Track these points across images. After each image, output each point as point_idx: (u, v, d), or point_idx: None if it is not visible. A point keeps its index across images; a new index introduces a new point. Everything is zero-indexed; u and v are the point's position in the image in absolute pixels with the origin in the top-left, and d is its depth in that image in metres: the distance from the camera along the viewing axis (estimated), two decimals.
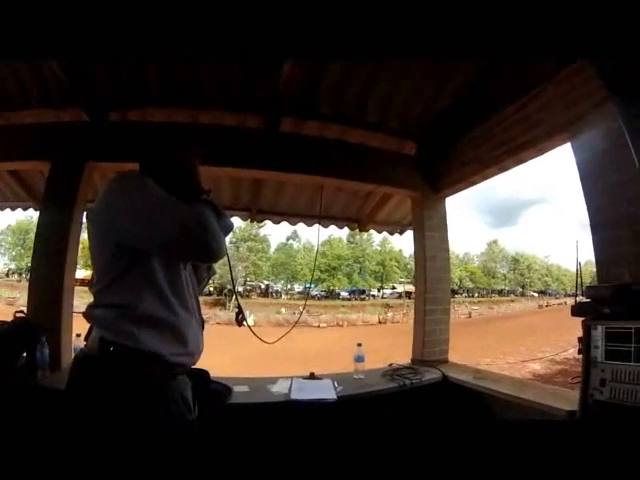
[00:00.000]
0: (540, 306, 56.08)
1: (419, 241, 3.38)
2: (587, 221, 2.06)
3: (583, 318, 1.76)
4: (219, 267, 1.47)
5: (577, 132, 2.14)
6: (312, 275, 48.27)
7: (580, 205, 2.08)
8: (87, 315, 1.28)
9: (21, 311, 2.59)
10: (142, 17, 1.08)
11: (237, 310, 1.58)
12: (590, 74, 1.93)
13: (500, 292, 65.35)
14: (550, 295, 68.80)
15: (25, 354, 2.41)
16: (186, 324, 1.32)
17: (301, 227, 4.41)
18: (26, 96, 2.78)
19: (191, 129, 2.86)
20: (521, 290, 67.09)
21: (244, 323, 1.62)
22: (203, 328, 1.46)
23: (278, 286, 53.22)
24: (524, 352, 18.55)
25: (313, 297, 47.72)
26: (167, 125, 2.84)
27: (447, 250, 3.45)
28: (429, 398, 2.71)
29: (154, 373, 1.21)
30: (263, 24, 1.14)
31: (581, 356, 1.74)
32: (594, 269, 2.02)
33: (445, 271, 3.40)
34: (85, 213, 1.35)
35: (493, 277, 63.86)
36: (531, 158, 2.62)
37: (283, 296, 50.75)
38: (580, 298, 1.91)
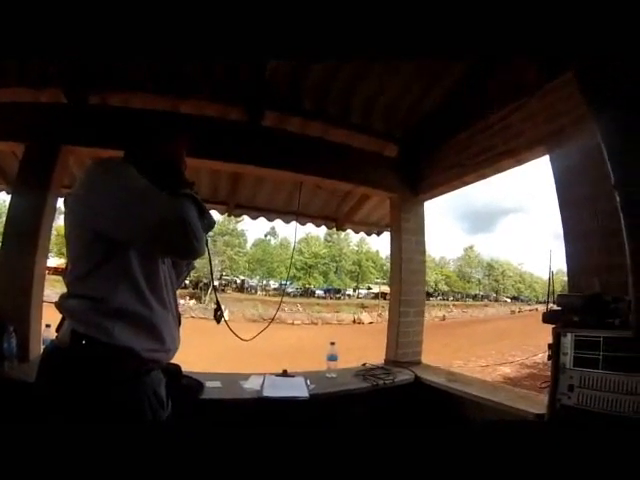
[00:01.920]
0: (513, 312, 57.30)
1: (396, 243, 3.40)
2: (561, 231, 2.12)
3: (553, 325, 1.79)
4: (197, 261, 1.44)
5: (556, 145, 2.20)
6: (289, 272, 48.18)
7: (555, 216, 2.12)
8: (59, 306, 1.23)
9: None
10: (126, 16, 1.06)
11: (216, 307, 1.55)
12: (572, 90, 1.98)
13: (474, 297, 66.43)
14: (522, 301, 70.41)
15: None
16: (162, 320, 1.28)
17: (278, 224, 4.40)
18: (4, 74, 2.68)
19: (172, 117, 2.76)
20: (495, 295, 68.36)
21: (222, 320, 1.59)
22: (180, 324, 1.42)
23: (254, 282, 52.96)
24: (495, 356, 18.95)
25: (288, 294, 47.67)
26: (147, 112, 2.74)
27: (423, 253, 3.48)
28: (401, 399, 2.73)
29: (127, 368, 1.17)
30: (250, 23, 1.12)
31: (550, 362, 1.78)
32: (565, 278, 2.07)
33: (420, 274, 3.43)
34: (63, 199, 1.29)
35: (468, 282, 64.77)
36: (510, 167, 2.68)
37: (259, 292, 50.59)
38: (551, 306, 1.95)
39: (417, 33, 1.13)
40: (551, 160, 2.24)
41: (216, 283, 42.43)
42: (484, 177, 2.90)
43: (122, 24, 1.07)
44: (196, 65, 2.53)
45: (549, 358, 1.79)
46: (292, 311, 37.12)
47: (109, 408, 1.11)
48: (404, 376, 2.87)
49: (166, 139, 1.46)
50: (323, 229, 5.01)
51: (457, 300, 62.04)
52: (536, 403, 2.11)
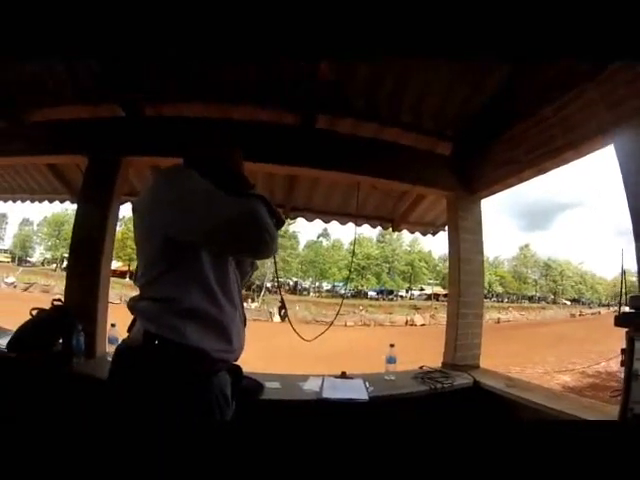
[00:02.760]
0: (572, 315, 54.07)
1: (453, 243, 3.32)
2: (627, 227, 1.97)
3: (627, 329, 1.69)
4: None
5: (620, 134, 2.04)
6: (349, 273, 48.22)
7: (620, 211, 1.98)
8: (131, 307, 1.29)
9: (59, 299, 2.67)
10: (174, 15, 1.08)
11: (280, 305, 1.57)
12: (633, 75, 1.85)
13: (531, 298, 63.35)
14: (583, 304, 65.92)
15: (61, 341, 2.48)
16: (231, 320, 1.31)
17: (333, 225, 4.40)
18: (62, 93, 2.85)
19: (225, 124, 2.86)
20: (553, 297, 64.72)
21: (286, 319, 1.61)
22: (245, 324, 1.45)
23: (306, 283, 53.46)
24: (554, 362, 17.98)
25: (341, 295, 47.79)
26: (201, 120, 2.86)
27: (481, 253, 3.36)
28: (460, 403, 2.65)
29: (197, 368, 1.21)
30: (296, 22, 1.12)
31: (623, 368, 1.68)
32: (635, 278, 1.94)
33: (479, 274, 3.33)
34: (131, 206, 1.34)
35: (524, 282, 61.80)
36: (571, 160, 2.52)
37: (311, 294, 50.97)
38: (623, 308, 1.84)
39: (461, 34, 1.10)
40: (616, 149, 2.09)
41: (269, 285, 43.09)
42: (543, 172, 2.74)
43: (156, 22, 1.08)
44: (247, 72, 2.58)
45: (622, 364, 1.69)
46: (345, 313, 37.02)
47: (180, 407, 1.14)
48: (463, 380, 2.80)
49: (223, 145, 1.50)
50: (375, 230, 4.98)
51: (512, 302, 59.34)
52: (603, 413, 1.99)
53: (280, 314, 1.57)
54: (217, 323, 1.26)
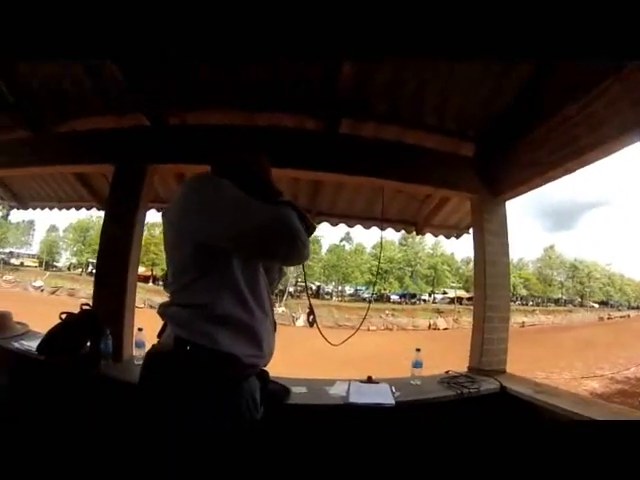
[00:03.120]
0: (601, 318, 52.72)
1: (479, 246, 3.27)
2: None
3: None
4: None
5: None
6: (376, 278, 47.92)
7: None
8: (162, 313, 1.31)
9: (87, 304, 2.73)
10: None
11: (309, 311, 1.58)
12: None
13: (557, 301, 61.65)
14: (612, 306, 64.04)
15: (89, 344, 2.54)
16: (261, 325, 1.32)
17: (357, 229, 4.39)
18: (88, 103, 2.96)
19: (250, 131, 2.90)
20: (580, 300, 62.63)
21: (315, 324, 1.61)
22: (275, 330, 1.46)
23: (329, 288, 53.38)
24: (581, 368, 17.54)
25: (364, 299, 47.61)
26: (225, 127, 2.90)
27: (507, 255, 3.30)
28: (486, 409, 2.61)
29: (229, 374, 1.22)
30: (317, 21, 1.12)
31: None
32: None
33: (505, 277, 3.27)
34: (161, 213, 1.36)
35: (549, 285, 59.97)
36: (597, 159, 2.44)
37: (334, 298, 50.86)
38: None
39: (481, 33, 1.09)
40: None
41: (291, 289, 43.20)
42: (568, 172, 2.66)
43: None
44: (269, 78, 2.61)
45: None
46: (367, 317, 36.86)
47: (211, 412, 1.16)
48: (489, 385, 2.75)
49: (250, 152, 1.52)
50: (398, 233, 4.95)
51: (537, 305, 57.84)
52: None
53: (309, 320, 1.57)
54: (248, 329, 1.27)
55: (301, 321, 29.43)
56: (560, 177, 2.78)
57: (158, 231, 43.99)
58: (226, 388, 1.21)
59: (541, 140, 2.74)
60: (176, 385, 1.18)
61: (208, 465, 1.13)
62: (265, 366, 1.41)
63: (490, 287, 3.15)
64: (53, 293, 37.55)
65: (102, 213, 3.33)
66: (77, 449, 2.08)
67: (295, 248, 1.20)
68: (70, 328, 2.53)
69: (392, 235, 51.72)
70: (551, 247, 63.71)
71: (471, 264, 51.77)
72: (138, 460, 1.22)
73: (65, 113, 3.12)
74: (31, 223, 54.35)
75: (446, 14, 1.08)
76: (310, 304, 1.64)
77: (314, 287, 51.08)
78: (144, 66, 2.54)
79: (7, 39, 1.05)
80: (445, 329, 36.66)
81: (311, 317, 1.57)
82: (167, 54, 1.32)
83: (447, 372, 2.94)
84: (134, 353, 2.78)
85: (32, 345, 2.61)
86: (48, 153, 3.28)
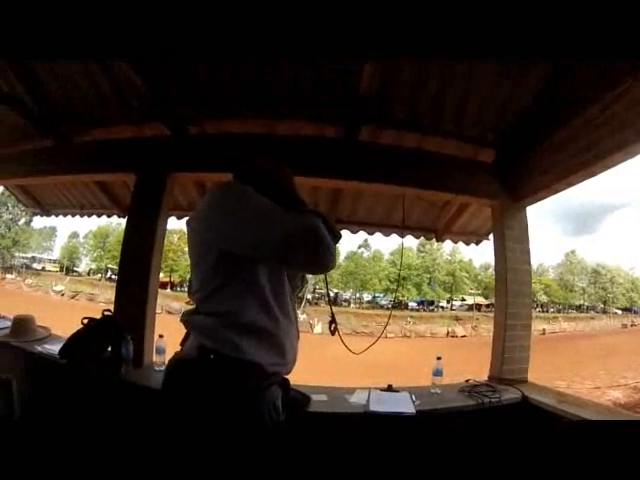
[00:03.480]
0: (624, 325, 51.03)
1: (499, 253, 3.22)
2: None
3: None
4: None
5: None
6: (398, 285, 47.84)
7: None
8: (186, 321, 1.32)
9: (108, 310, 2.76)
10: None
11: (330, 319, 1.57)
12: None
13: (578, 308, 60.10)
14: (636, 313, 61.29)
15: (110, 349, 2.56)
16: (286, 334, 1.32)
17: (377, 236, 4.37)
18: (109, 113, 3.02)
19: (269, 139, 2.92)
20: (602, 306, 60.94)
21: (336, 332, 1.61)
22: (299, 338, 1.46)
23: (347, 295, 53.29)
24: (604, 377, 17.07)
25: (381, 307, 47.39)
26: (245, 136, 2.93)
27: (529, 262, 3.24)
28: (508, 419, 2.55)
29: (252, 382, 1.22)
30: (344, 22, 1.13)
31: None
32: None
33: (526, 284, 3.20)
34: (185, 222, 1.38)
35: (570, 291, 58.75)
36: (620, 162, 2.36)
37: (352, 305, 50.79)
38: None
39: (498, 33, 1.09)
40: None
41: (309, 296, 43.18)
42: (591, 176, 2.59)
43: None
44: (289, 86, 2.62)
45: None
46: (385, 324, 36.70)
47: (235, 420, 1.16)
48: (511, 395, 2.69)
49: (272, 161, 1.53)
50: (416, 240, 4.91)
51: (558, 312, 56.59)
52: None
53: (330, 328, 1.56)
54: (272, 337, 1.27)
55: (319, 328, 29.35)
56: (582, 181, 2.71)
57: (176, 238, 44.57)
58: (249, 396, 1.21)
59: (561, 143, 2.69)
60: (199, 393, 1.18)
61: (231, 472, 1.13)
62: (288, 374, 1.41)
63: (511, 294, 3.10)
64: (73, 297, 38.28)
65: (121, 220, 3.38)
66: (97, 451, 2.12)
67: (322, 256, 1.19)
68: (92, 333, 2.57)
69: (410, 242, 51.32)
70: (572, 252, 62.56)
71: (490, 270, 51.18)
72: (161, 465, 1.24)
73: (87, 123, 3.18)
74: (53, 229, 55.80)
75: (465, 14, 1.07)
76: (332, 312, 1.63)
77: (332, 294, 50.94)
78: (164, 75, 2.59)
79: (7, 39, 1.08)
80: (463, 336, 36.13)
81: (333, 325, 1.56)
82: (173, 53, 1.33)
83: (467, 381, 2.89)
84: (154, 359, 2.81)
85: (54, 349, 2.66)
86: (71, 162, 3.36)
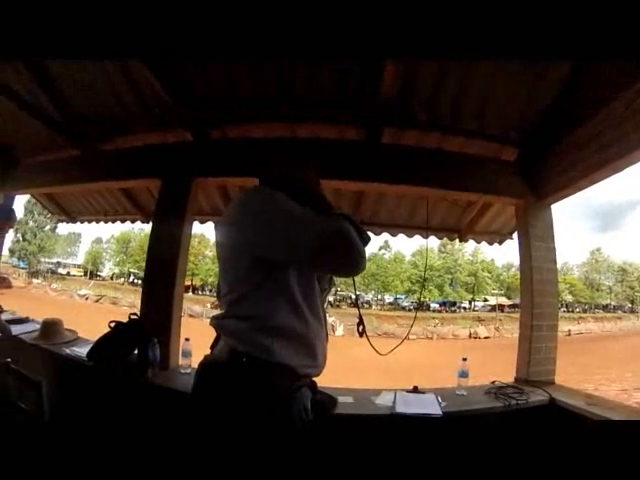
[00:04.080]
0: None
1: (524, 252, 3.17)
2: None
3: None
4: None
5: None
6: (422, 286, 47.29)
7: None
8: (216, 325, 1.33)
9: (135, 313, 2.82)
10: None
11: (358, 321, 1.58)
12: None
13: (605, 307, 57.74)
14: None
15: (137, 352, 2.61)
16: (316, 336, 1.33)
17: (399, 238, 4.36)
18: (133, 122, 3.10)
19: (291, 143, 2.96)
20: (630, 306, 58.02)
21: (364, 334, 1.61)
22: (327, 339, 1.46)
23: (368, 297, 52.93)
24: (632, 379, 16.58)
25: (403, 308, 47.07)
26: (267, 140, 2.96)
27: (554, 261, 3.18)
28: (535, 421, 2.52)
29: (283, 383, 1.23)
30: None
31: None
32: None
33: (552, 284, 3.14)
34: (214, 226, 1.40)
35: (597, 290, 56.61)
36: None
37: (373, 307, 50.44)
38: None
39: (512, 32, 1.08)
40: None
41: (331, 299, 43.06)
42: (617, 172, 2.53)
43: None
44: (309, 89, 2.65)
45: None
46: (407, 325, 36.33)
47: (266, 422, 1.17)
48: (538, 397, 2.64)
49: (299, 164, 1.54)
50: (440, 240, 4.88)
51: (584, 312, 54.50)
52: None
53: (358, 330, 1.57)
54: (303, 339, 1.28)
55: (340, 330, 29.31)
56: (606, 177, 2.65)
57: (197, 242, 45.03)
58: (280, 398, 1.22)
59: (585, 140, 2.64)
60: (231, 396, 1.20)
61: (262, 472, 1.15)
62: (318, 376, 1.42)
63: (537, 294, 3.05)
64: (97, 301, 39.09)
65: (143, 225, 3.46)
66: (123, 452, 2.16)
67: (353, 260, 1.18)
68: (119, 336, 2.62)
69: (432, 242, 50.86)
70: (598, 249, 60.07)
71: (512, 270, 50.21)
72: (191, 465, 1.26)
73: (111, 131, 3.27)
74: (78, 235, 57.13)
75: (485, 14, 1.07)
76: (360, 314, 1.63)
77: (353, 296, 50.76)
78: (184, 80, 2.63)
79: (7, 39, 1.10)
80: (486, 337, 35.54)
81: (361, 327, 1.57)
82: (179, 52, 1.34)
83: (493, 382, 2.86)
84: (180, 362, 2.85)
85: (82, 351, 2.75)
86: (96, 170, 3.45)
